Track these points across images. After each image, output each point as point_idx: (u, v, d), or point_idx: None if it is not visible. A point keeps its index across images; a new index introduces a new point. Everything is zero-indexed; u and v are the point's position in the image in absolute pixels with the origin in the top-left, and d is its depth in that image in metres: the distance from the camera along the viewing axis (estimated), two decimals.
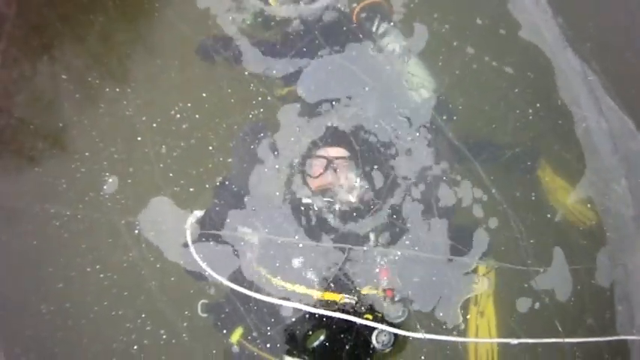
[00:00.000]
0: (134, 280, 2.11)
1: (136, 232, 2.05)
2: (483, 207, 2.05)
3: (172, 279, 2.02)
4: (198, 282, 2.01)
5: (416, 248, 2.02)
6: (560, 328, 1.94)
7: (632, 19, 2.25)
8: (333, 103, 2.15)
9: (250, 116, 2.07)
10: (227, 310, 1.92)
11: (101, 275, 2.13)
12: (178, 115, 2.10)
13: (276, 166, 2.05)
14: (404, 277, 1.94)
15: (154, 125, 2.12)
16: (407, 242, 1.96)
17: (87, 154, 2.17)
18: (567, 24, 2.40)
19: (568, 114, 2.31)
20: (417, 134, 2.17)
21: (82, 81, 2.21)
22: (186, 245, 1.89)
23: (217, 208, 1.98)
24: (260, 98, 2.12)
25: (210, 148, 2.04)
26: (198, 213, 1.97)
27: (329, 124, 2.09)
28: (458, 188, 2.04)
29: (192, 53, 2.21)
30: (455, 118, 2.22)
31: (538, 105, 2.31)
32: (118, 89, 2.20)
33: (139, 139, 2.11)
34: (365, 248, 1.94)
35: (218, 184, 2.01)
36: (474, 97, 2.32)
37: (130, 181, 2.09)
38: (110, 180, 2.12)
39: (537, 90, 2.33)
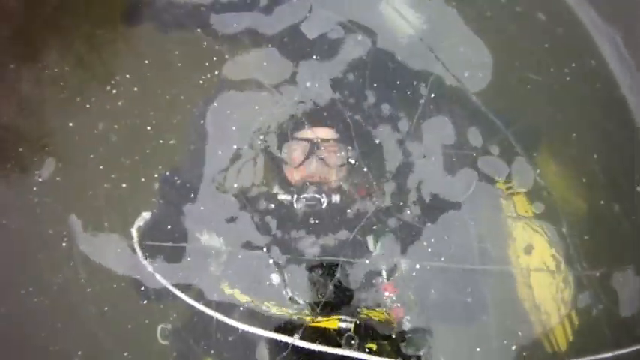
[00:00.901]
0: (67, 306, 1.64)
1: (64, 244, 1.57)
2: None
3: (105, 309, 1.52)
4: (155, 303, 1.50)
5: (442, 259, 1.37)
6: None
7: None
8: (315, 57, 1.55)
9: (201, 82, 1.52)
10: (191, 338, 1.46)
11: (35, 299, 1.69)
12: (114, 91, 1.61)
13: (240, 152, 1.49)
14: (419, 291, 1.30)
15: (87, 106, 1.64)
16: (421, 248, 1.30)
17: (20, 149, 1.75)
18: None
19: None
20: (431, 103, 1.50)
21: None
22: (133, 257, 1.39)
23: (165, 209, 1.45)
24: (215, 58, 1.56)
25: (149, 128, 1.51)
26: (147, 215, 1.46)
27: (311, 96, 1.51)
28: (487, 169, 1.34)
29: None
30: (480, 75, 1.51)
31: None
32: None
33: (71, 124, 1.64)
34: (367, 261, 1.33)
35: (160, 176, 1.48)
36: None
37: (58, 178, 1.62)
38: (40, 180, 1.67)
39: None
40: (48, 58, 1.76)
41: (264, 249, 1.38)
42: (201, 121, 1.47)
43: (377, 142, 1.52)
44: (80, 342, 1.59)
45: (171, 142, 1.47)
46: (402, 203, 1.46)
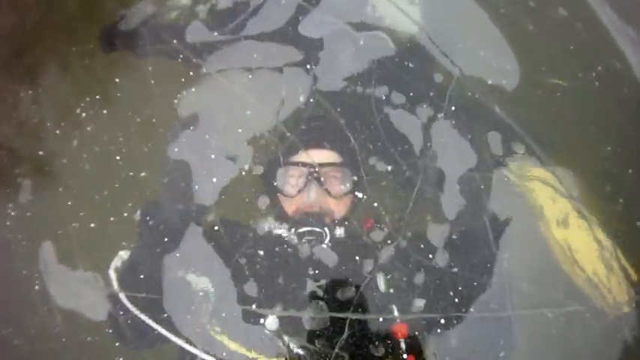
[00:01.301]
0: (46, 353, 1.50)
1: (37, 287, 1.42)
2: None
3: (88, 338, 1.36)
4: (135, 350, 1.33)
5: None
6: None
7: None
8: (310, 66, 1.31)
9: (176, 101, 1.31)
10: None
11: (15, 342, 1.56)
12: (84, 114, 1.42)
13: (223, 183, 1.28)
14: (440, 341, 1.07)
15: (57, 132, 1.47)
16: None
17: None
18: None
19: None
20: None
21: None
22: (111, 299, 1.24)
23: (142, 251, 1.27)
24: (192, 73, 1.34)
25: (118, 157, 1.32)
26: (125, 254, 1.29)
27: (307, 113, 1.28)
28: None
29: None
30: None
31: None
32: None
33: (41, 153, 1.47)
34: (380, 319, 1.10)
35: (136, 215, 1.28)
36: None
37: (29, 214, 1.47)
38: (12, 213, 1.52)
39: None
40: (20, 78, 1.60)
41: (254, 305, 1.16)
42: (176, 149, 1.26)
43: (388, 168, 1.27)
44: None
45: (142, 174, 1.27)
46: (418, 241, 1.21)
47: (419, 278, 1.21)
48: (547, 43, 1.36)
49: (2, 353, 1.57)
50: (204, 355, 1.21)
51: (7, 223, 1.50)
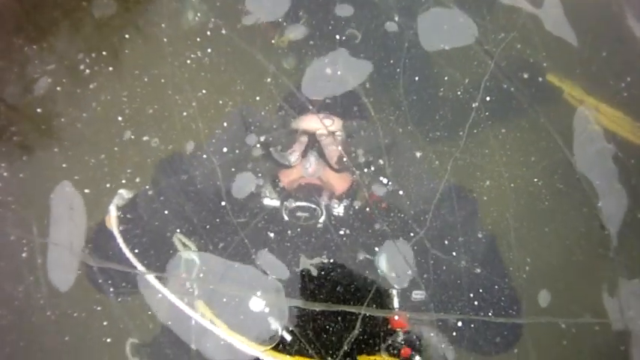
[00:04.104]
0: (29, 325, 1.39)
1: (24, 255, 1.30)
2: None
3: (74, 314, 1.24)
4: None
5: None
6: None
7: None
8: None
9: (189, 62, 1.18)
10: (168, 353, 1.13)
11: None
12: (88, 71, 1.30)
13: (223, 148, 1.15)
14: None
15: (59, 89, 1.35)
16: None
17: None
18: None
19: None
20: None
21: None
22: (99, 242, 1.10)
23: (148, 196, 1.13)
24: (209, 33, 1.21)
25: (120, 118, 1.19)
26: (126, 194, 1.14)
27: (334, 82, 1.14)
28: None
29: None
30: None
31: None
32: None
33: (39, 110, 1.36)
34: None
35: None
36: None
37: (21, 175, 1.35)
38: (5, 174, 1.41)
39: None
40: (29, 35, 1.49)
41: (258, 262, 1.02)
42: (184, 113, 1.13)
43: (417, 155, 1.12)
44: None
45: (144, 138, 1.14)
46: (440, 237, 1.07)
47: (431, 274, 1.07)
48: None
49: None
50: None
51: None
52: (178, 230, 1.10)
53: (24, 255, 1.33)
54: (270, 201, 1.09)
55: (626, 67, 1.42)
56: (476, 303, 1.05)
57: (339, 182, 1.12)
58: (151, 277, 1.01)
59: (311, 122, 1.11)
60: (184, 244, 1.08)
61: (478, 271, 1.05)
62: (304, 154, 1.07)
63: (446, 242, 1.10)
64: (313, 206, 1.03)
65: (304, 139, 1.09)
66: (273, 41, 1.35)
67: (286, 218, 1.05)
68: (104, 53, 1.29)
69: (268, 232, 1.08)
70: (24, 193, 1.34)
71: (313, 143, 1.07)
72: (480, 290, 1.05)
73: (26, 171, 1.34)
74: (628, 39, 1.47)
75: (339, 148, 1.10)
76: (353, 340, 1.01)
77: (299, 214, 1.03)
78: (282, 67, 1.29)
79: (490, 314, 1.06)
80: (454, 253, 1.06)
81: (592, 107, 1.35)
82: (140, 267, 1.02)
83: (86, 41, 1.39)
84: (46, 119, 1.32)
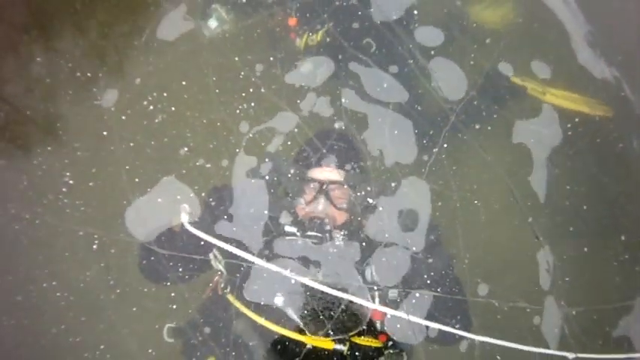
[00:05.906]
0: (92, 304, 1.76)
1: (95, 247, 1.68)
2: None
3: (134, 309, 1.65)
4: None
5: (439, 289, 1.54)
6: None
7: None
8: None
9: (238, 112, 1.64)
10: (198, 336, 1.51)
11: (58, 294, 1.80)
12: (151, 107, 1.70)
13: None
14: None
15: (123, 118, 1.73)
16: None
17: (49, 148, 1.82)
18: None
19: None
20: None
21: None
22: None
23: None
24: (251, 90, 1.68)
25: (186, 149, 1.62)
26: (188, 208, 1.50)
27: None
28: None
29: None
30: None
31: None
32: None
33: (105, 133, 1.73)
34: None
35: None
36: None
37: (91, 184, 1.72)
38: (70, 182, 1.76)
39: None
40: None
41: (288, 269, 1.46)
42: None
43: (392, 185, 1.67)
44: (103, 338, 1.72)
45: (208, 165, 1.59)
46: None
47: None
48: None
49: (42, 302, 1.80)
50: None
51: (64, 190, 1.74)
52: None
53: (94, 247, 1.70)
54: (290, 228, 1.50)
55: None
56: (429, 282, 1.60)
57: (340, 216, 1.56)
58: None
59: (321, 173, 1.56)
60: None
61: (430, 260, 1.59)
62: (316, 197, 1.52)
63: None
64: (320, 235, 1.48)
65: (316, 185, 1.54)
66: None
67: (300, 242, 1.45)
68: (164, 95, 1.70)
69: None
70: (94, 198, 1.71)
71: (322, 188, 1.52)
72: (432, 274, 1.59)
73: (97, 180, 1.71)
74: None
75: (341, 192, 1.55)
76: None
77: (311, 240, 1.45)
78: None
79: (438, 290, 1.60)
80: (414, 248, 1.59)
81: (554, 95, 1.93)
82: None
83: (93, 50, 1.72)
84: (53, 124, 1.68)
